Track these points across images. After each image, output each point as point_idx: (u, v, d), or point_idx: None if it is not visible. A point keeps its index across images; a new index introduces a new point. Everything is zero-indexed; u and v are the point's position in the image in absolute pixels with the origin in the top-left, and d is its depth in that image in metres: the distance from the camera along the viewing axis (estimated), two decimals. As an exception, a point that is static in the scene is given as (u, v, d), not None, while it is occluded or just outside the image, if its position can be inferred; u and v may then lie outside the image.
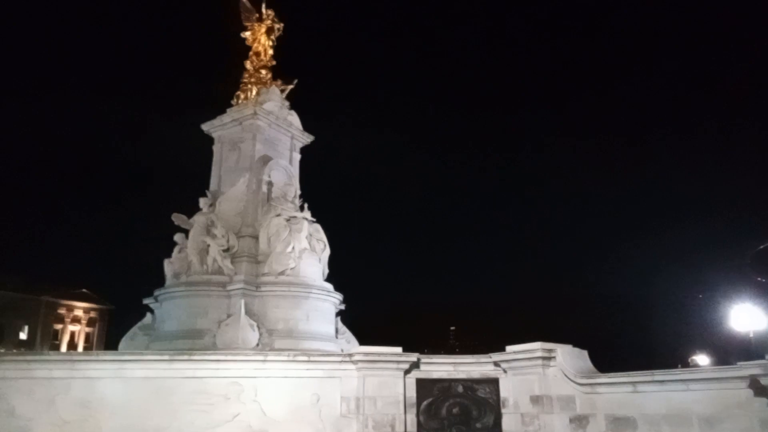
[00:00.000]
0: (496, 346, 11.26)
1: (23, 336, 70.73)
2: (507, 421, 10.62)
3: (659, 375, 9.34)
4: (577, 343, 11.08)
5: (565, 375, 10.15)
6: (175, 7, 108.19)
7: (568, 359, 10.34)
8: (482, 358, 11.02)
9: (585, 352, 10.94)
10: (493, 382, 10.93)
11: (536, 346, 10.31)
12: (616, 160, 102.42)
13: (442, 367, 10.99)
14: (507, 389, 10.77)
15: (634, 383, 9.49)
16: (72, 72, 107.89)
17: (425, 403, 10.71)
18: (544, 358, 10.26)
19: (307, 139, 19.37)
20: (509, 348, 10.74)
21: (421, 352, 11.26)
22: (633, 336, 50.30)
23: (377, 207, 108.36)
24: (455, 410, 10.73)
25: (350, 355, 10.43)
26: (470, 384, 10.88)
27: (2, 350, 57.59)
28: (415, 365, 10.63)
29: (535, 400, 10.32)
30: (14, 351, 50.75)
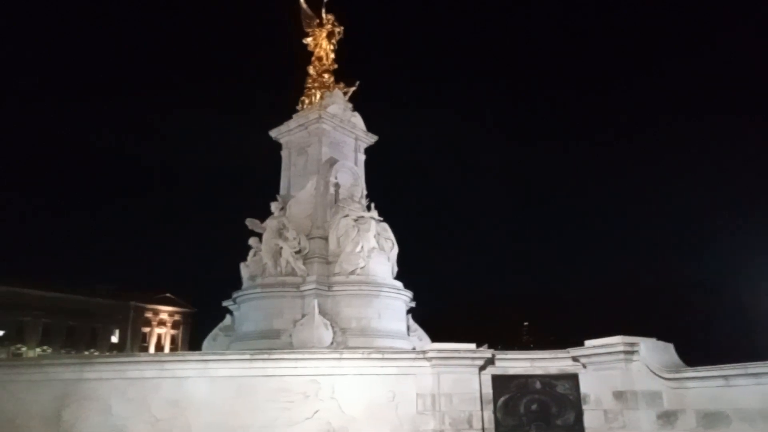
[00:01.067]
0: (573, 341, 10.96)
1: (114, 339, 75.68)
2: (589, 418, 10.29)
3: (754, 368, 8.79)
4: (662, 336, 10.60)
5: (650, 369, 9.73)
6: (241, 19, 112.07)
7: (652, 353, 9.90)
8: (560, 353, 10.73)
9: (671, 346, 10.45)
10: (572, 378, 10.62)
11: (617, 340, 9.94)
12: (692, 145, 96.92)
13: (518, 363, 10.80)
14: (587, 385, 10.44)
15: (726, 377, 8.98)
16: (151, 85, 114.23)
17: (502, 399, 10.55)
18: (626, 352, 9.88)
19: (371, 139, 19.55)
20: (588, 342, 10.41)
21: (494, 348, 11.12)
22: (723, 327, 47.37)
23: (445, 203, 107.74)
24: (534, 407, 10.51)
25: (424, 352, 10.43)
26: (548, 380, 10.62)
27: (96, 353, 61.80)
28: (490, 361, 10.49)
29: (618, 395, 9.95)
30: (107, 353, 54.30)
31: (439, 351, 10.24)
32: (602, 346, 10.19)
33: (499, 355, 10.70)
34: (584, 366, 10.51)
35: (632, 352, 9.93)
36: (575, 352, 10.54)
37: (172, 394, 9.59)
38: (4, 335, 66.76)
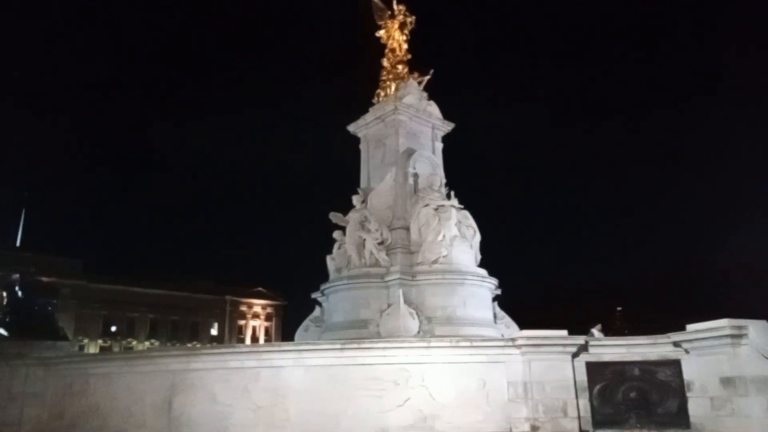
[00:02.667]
0: (672, 325, 10.37)
1: (214, 332, 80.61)
2: (693, 406, 9.74)
3: None
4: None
5: (762, 354, 9.04)
6: (311, 16, 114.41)
7: (763, 336, 9.19)
8: (659, 338, 10.21)
9: (783, 328, 9.64)
10: (674, 364, 10.08)
11: (723, 323, 9.31)
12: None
13: (613, 349, 10.39)
14: (691, 371, 9.88)
15: None
16: (238, 88, 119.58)
17: (598, 387, 10.21)
18: (733, 336, 9.23)
19: (448, 127, 19.41)
20: (690, 327, 9.83)
21: (586, 335, 10.75)
22: None
23: (527, 186, 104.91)
24: (632, 394, 10.08)
25: (513, 339, 10.28)
26: (648, 366, 10.14)
27: (198, 345, 65.84)
28: (583, 348, 10.17)
29: (726, 382, 9.34)
30: (209, 345, 57.75)
31: (529, 338, 10.06)
32: (706, 330, 9.58)
33: (593, 341, 10.36)
34: (687, 351, 9.94)
35: (740, 336, 9.26)
36: (676, 336, 9.98)
37: (270, 383, 10.07)
38: (117, 330, 72.70)
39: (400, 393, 9.87)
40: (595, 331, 15.30)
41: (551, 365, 9.96)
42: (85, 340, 66.79)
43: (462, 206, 17.11)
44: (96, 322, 71.63)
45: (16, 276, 14.28)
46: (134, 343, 73.05)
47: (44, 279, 15.00)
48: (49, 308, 14.11)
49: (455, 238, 16.52)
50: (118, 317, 73.26)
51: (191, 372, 10.70)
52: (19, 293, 13.95)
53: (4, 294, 14.79)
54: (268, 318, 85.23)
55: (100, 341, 71.15)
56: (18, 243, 70.68)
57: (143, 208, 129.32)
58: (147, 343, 72.85)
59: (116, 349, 67.83)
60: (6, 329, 13.29)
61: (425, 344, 10.57)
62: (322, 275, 17.72)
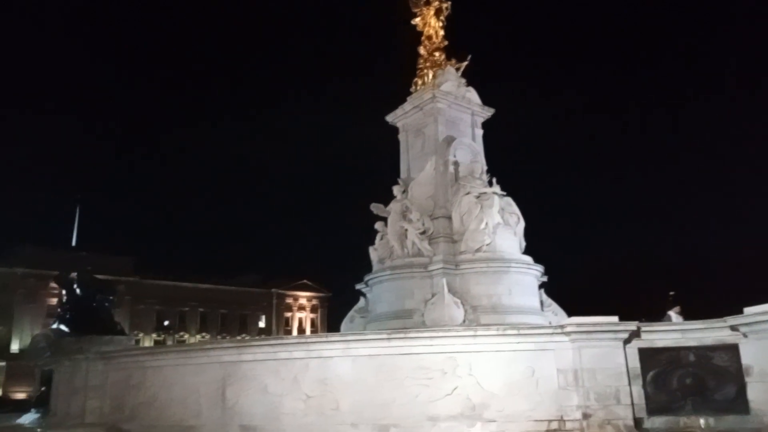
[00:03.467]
0: (727, 309, 9.97)
1: (262, 324, 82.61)
2: (752, 391, 9.38)
3: None
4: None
5: (827, 337, 8.61)
6: (344, 7, 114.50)
7: (827, 319, 8.74)
8: (715, 322, 9.85)
9: None
10: (731, 349, 9.71)
11: (784, 306, 8.90)
12: None
13: (667, 335, 10.09)
14: (749, 356, 9.49)
15: None
16: (275, 83, 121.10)
17: (651, 373, 9.93)
18: (795, 318, 8.82)
19: (488, 113, 19.13)
20: (748, 310, 9.44)
21: (637, 320, 10.45)
22: None
23: (573, 169, 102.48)
24: (688, 381, 9.77)
25: (562, 326, 10.11)
26: (703, 352, 9.80)
27: (247, 337, 67.45)
28: (635, 334, 9.91)
29: (788, 366, 8.94)
30: (258, 337, 59.14)
31: (579, 325, 9.86)
32: (765, 312, 9.18)
33: (645, 327, 10.06)
34: (745, 335, 9.56)
35: (803, 318, 8.85)
36: (733, 320, 9.60)
37: (319, 373, 10.23)
38: (169, 324, 75.21)
39: (448, 382, 9.86)
40: (673, 314, 14.75)
41: (602, 352, 9.75)
42: (140, 335, 69.30)
43: (505, 193, 16.89)
44: (149, 317, 74.30)
45: (75, 274, 14.94)
46: (186, 336, 75.43)
47: (101, 277, 15.59)
48: (107, 304, 14.70)
49: (498, 225, 16.34)
50: (170, 312, 75.76)
51: (243, 363, 10.97)
52: (78, 291, 14.58)
53: (64, 292, 15.49)
54: (313, 310, 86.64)
55: (154, 335, 73.79)
56: (74, 243, 73.94)
57: (189, 205, 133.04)
58: (198, 337, 75.10)
59: (169, 342, 70.11)
60: (67, 325, 13.93)
61: (472, 333, 10.51)
62: (366, 266, 17.85)
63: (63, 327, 13.93)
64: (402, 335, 10.59)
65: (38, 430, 12.38)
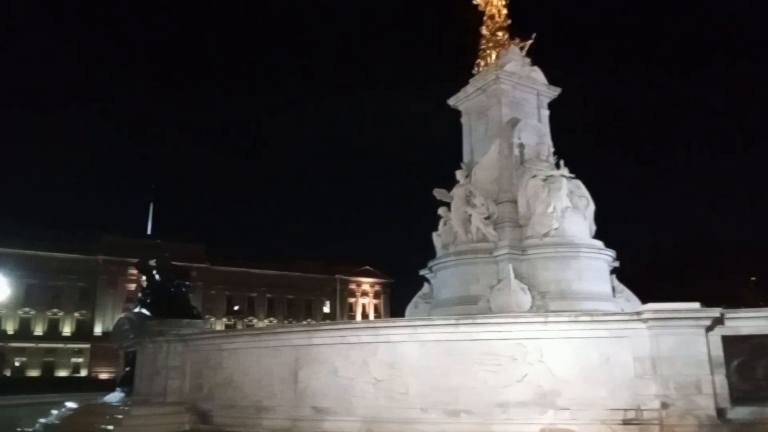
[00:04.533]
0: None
1: (326, 310, 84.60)
2: None
3: None
4: None
5: None
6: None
7: None
8: (807, 309, 9.21)
9: None
10: (824, 337, 9.06)
11: None
12: None
13: (754, 321, 9.52)
14: None
15: None
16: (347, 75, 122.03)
17: (736, 362, 9.42)
18: None
19: (554, 92, 18.55)
20: None
21: (719, 307, 9.90)
22: None
23: (644, 152, 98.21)
24: (776, 370, 9.21)
25: (638, 313, 9.73)
26: (794, 340, 9.20)
27: (313, 322, 69.18)
28: (718, 321, 9.41)
29: None
30: (328, 322, 60.58)
31: (656, 312, 9.45)
32: None
33: (729, 313, 9.53)
34: (840, 323, 8.90)
35: None
36: (829, 307, 8.95)
37: (387, 357, 10.33)
38: (239, 309, 78.20)
39: (518, 368, 9.72)
40: None
41: (682, 340, 9.32)
42: (212, 319, 72.49)
43: (573, 175, 16.36)
44: (220, 302, 77.50)
45: (154, 261, 15.74)
46: (255, 321, 78.25)
47: (177, 263, 16.36)
48: (184, 289, 15.42)
49: (567, 209, 15.88)
50: (240, 297, 78.76)
51: (313, 347, 11.24)
52: (157, 277, 15.36)
53: (144, 278, 16.36)
54: (376, 296, 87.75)
55: (224, 319, 76.98)
56: (149, 231, 77.87)
57: (255, 193, 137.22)
58: (266, 321, 77.72)
59: (239, 326, 72.97)
60: (148, 309, 14.70)
61: (542, 319, 10.30)
62: (428, 252, 17.84)
63: (144, 311, 14.71)
64: (470, 320, 10.52)
65: (125, 407, 13.15)
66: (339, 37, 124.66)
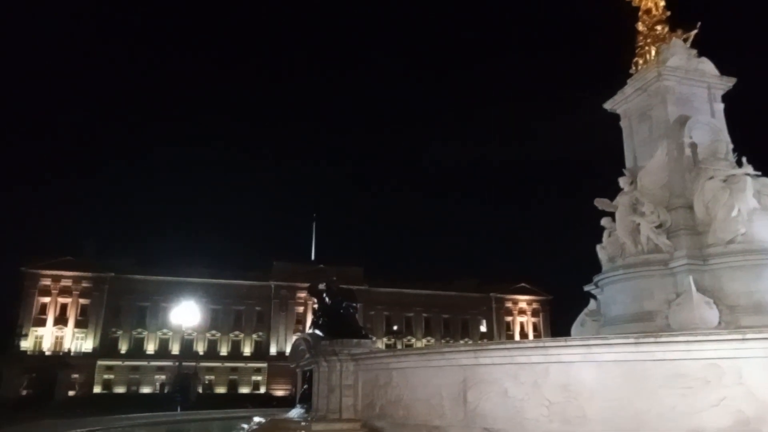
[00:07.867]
0: None
1: (483, 329, 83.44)
2: None
3: None
4: None
5: None
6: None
7: None
8: None
9: None
10: None
11: None
12: None
13: None
14: None
15: None
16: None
17: None
18: None
19: (728, 83, 16.76)
20: None
21: None
22: None
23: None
24: None
25: None
26: None
27: (470, 341, 68.64)
28: None
29: None
30: (495, 341, 59.81)
31: None
32: None
33: None
34: None
35: None
36: None
37: (560, 379, 9.88)
38: (398, 329, 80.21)
39: (712, 392, 8.74)
40: None
41: None
42: (373, 338, 75.28)
43: (759, 173, 14.59)
44: (380, 322, 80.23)
45: (323, 285, 16.87)
46: (413, 340, 79.66)
47: (344, 286, 17.37)
48: (351, 311, 16.29)
49: (755, 211, 14.18)
50: (397, 317, 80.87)
51: (480, 367, 11.14)
52: (327, 299, 16.41)
53: (315, 300, 17.56)
54: (534, 314, 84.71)
55: (384, 339, 79.40)
56: (312, 257, 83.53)
57: (408, 213, 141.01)
58: (424, 341, 78.72)
59: (398, 346, 74.73)
60: (321, 330, 15.73)
61: (740, 336, 9.17)
62: (590, 267, 16.93)
63: (317, 332, 15.75)
64: (653, 339, 9.70)
65: (306, 423, 14.13)
66: (478, 49, 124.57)
